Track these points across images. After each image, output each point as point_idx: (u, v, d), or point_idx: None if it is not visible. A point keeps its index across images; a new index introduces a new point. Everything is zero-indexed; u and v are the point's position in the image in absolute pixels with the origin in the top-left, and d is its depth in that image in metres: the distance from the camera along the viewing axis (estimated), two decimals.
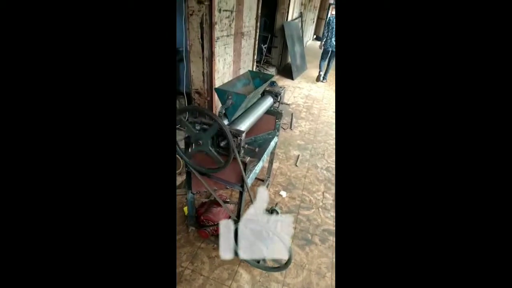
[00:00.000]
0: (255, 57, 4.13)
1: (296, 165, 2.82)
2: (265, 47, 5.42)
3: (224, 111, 1.41)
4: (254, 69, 4.38)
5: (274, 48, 6.03)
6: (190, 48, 2.75)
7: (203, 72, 2.81)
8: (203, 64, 2.76)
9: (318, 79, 5.78)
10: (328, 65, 5.58)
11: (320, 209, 2.27)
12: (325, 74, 5.75)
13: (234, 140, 1.24)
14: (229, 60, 3.23)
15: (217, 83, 2.98)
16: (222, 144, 1.27)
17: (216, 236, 1.79)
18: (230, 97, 1.33)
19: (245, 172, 1.33)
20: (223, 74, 3.15)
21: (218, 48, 2.84)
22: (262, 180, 2.43)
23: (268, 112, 1.96)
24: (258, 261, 1.68)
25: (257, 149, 1.29)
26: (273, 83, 1.98)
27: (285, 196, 2.37)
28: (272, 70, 5.66)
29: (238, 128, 1.39)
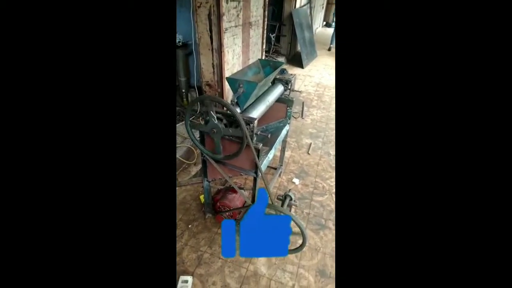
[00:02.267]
0: (264, 47, 4.11)
1: (308, 153, 2.83)
2: (273, 36, 5.35)
3: (236, 100, 1.44)
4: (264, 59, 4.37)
5: (282, 37, 5.95)
6: (199, 40, 2.78)
7: (212, 64, 2.84)
8: (212, 56, 2.79)
9: (329, 49, 7.38)
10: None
11: (333, 195, 2.29)
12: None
13: (247, 128, 1.28)
14: (238, 51, 3.24)
15: (227, 74, 3.01)
16: (234, 131, 1.31)
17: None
18: (241, 85, 1.36)
19: (258, 158, 1.37)
20: (232, 65, 3.17)
21: (227, 39, 2.85)
22: (275, 169, 2.46)
23: (279, 100, 1.97)
24: None
25: (269, 135, 1.32)
26: (283, 71, 2.00)
27: (298, 183, 2.41)
28: (281, 60, 5.60)
29: (250, 115, 1.42)
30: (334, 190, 2.34)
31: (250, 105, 1.54)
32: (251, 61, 3.81)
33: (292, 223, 1.51)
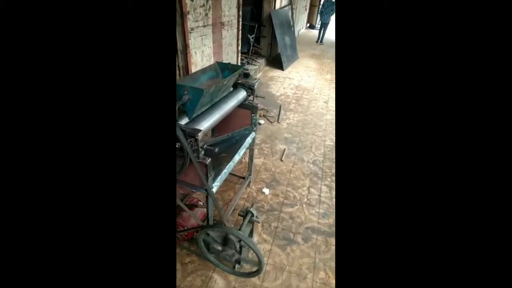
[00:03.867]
0: (239, 48, 3.96)
1: (282, 160, 2.70)
2: (252, 37, 5.20)
3: (183, 109, 1.28)
4: (240, 61, 4.21)
5: (263, 38, 5.82)
6: None
7: (178, 65, 2.66)
8: (177, 57, 2.60)
9: (317, 42, 8.25)
10: (323, 33, 8.03)
11: (304, 205, 2.17)
12: (322, 39, 8.14)
13: (190, 141, 1.12)
14: (209, 52, 3.07)
15: None
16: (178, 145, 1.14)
17: (189, 241, 1.69)
18: (186, 92, 1.20)
19: (206, 175, 1.22)
20: (202, 67, 2.99)
21: (194, 40, 2.68)
22: (243, 178, 2.31)
23: (244, 106, 1.83)
24: (234, 266, 1.59)
25: (216, 150, 1.17)
26: (247, 75, 1.84)
27: (268, 193, 2.27)
28: (261, 61, 5.47)
29: (198, 127, 1.26)
30: (305, 200, 2.21)
31: (202, 113, 1.38)
32: None
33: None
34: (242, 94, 1.75)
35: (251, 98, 1.83)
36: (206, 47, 2.98)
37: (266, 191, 2.28)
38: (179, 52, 2.57)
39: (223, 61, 3.56)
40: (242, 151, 1.76)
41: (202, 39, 2.84)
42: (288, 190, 2.32)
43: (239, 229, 1.53)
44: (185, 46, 2.52)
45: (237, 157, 1.68)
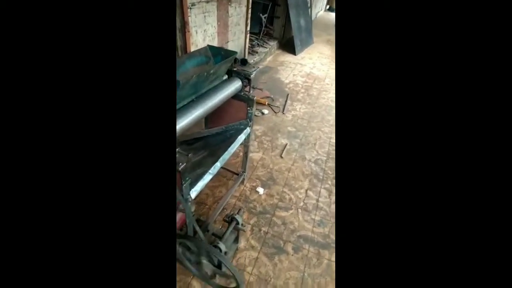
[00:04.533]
0: (248, 28, 3.64)
1: (281, 157, 2.51)
2: (265, 17, 4.81)
3: None
4: (248, 42, 3.90)
5: (276, 18, 5.41)
6: None
7: (177, 46, 2.42)
8: (176, 36, 2.36)
9: None
10: None
11: (299, 210, 1.99)
12: None
13: None
14: (212, 32, 2.80)
15: None
16: None
17: None
18: None
19: (181, 183, 1.04)
20: None
21: (195, 17, 2.42)
22: (237, 174, 2.14)
23: (239, 97, 1.62)
24: (214, 275, 1.46)
25: (190, 155, 0.98)
26: (244, 62, 1.61)
27: (263, 193, 2.10)
28: (272, 44, 5.12)
29: (178, 124, 1.06)
30: (301, 204, 2.04)
31: (183, 107, 1.18)
32: (231, 44, 3.36)
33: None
34: (236, 84, 1.53)
35: (247, 89, 1.61)
36: (209, 25, 2.71)
37: (261, 190, 2.11)
38: (177, 30, 2.32)
39: (228, 42, 3.29)
40: (232, 149, 1.57)
41: (204, 16, 2.57)
42: (284, 191, 2.14)
43: (222, 237, 1.38)
44: (184, 23, 2.27)
45: (226, 156, 1.50)
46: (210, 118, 1.96)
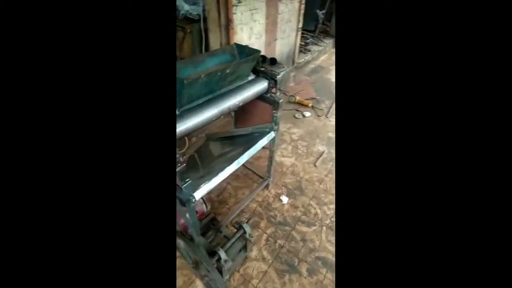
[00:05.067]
0: (300, 25, 3.45)
1: (315, 165, 2.30)
2: (322, 13, 4.50)
3: None
4: (300, 40, 3.71)
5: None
6: (207, 14, 2.39)
7: (220, 43, 2.44)
8: (220, 33, 2.38)
9: None
10: None
11: (324, 227, 1.79)
12: None
13: None
14: (259, 29, 2.74)
15: None
16: None
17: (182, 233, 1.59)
18: None
19: (180, 183, 1.02)
20: (249, 45, 2.71)
21: (241, 14, 2.39)
22: (262, 178, 2.05)
23: (264, 99, 1.52)
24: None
25: (182, 158, 0.94)
26: (274, 61, 1.50)
27: (286, 202, 1.96)
28: (328, 42, 4.77)
29: (182, 124, 1.04)
30: (327, 222, 1.83)
31: (196, 106, 1.15)
32: (279, 42, 3.25)
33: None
34: (262, 86, 1.43)
35: (274, 90, 1.49)
36: (256, 23, 2.66)
37: (285, 199, 1.97)
38: (221, 27, 2.34)
39: (277, 40, 3.18)
40: (251, 153, 1.48)
41: (251, 13, 2.53)
42: (311, 204, 1.96)
43: (224, 244, 1.32)
44: (228, 21, 2.27)
45: (241, 160, 1.43)
46: (238, 118, 1.92)
